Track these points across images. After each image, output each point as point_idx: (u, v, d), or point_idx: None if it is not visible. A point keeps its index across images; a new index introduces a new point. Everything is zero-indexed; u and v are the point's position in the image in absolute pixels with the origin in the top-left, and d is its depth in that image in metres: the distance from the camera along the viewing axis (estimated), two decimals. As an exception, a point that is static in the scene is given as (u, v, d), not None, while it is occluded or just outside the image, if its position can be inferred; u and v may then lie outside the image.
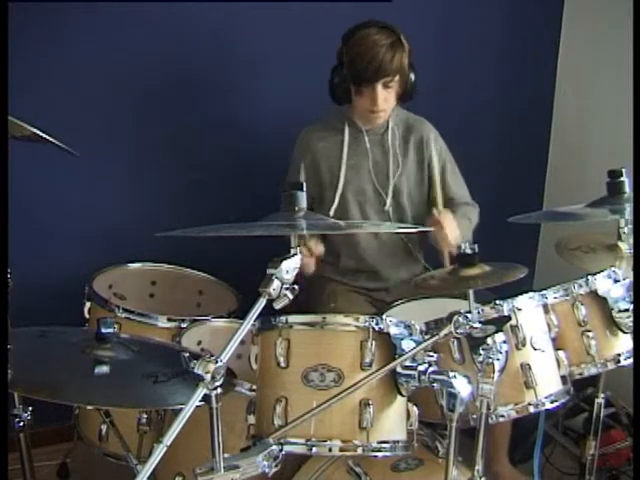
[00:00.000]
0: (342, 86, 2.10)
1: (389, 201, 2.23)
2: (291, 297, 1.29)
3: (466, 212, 2.28)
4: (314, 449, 1.44)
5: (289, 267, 1.29)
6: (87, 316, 2.04)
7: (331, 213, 2.19)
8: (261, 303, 1.26)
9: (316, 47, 2.43)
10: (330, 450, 1.44)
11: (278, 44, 2.49)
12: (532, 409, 1.62)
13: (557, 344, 1.68)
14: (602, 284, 1.71)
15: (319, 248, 2.11)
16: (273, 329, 1.50)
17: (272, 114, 2.55)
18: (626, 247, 1.79)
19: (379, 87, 2.05)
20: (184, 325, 1.96)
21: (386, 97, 2.09)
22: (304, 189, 1.41)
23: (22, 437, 1.78)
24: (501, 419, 1.61)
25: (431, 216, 2.13)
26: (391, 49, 2.03)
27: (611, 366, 1.71)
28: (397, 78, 2.07)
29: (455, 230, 2.09)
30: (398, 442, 1.49)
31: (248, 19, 2.44)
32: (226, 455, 1.23)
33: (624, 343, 1.71)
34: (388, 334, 1.48)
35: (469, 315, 1.41)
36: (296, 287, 1.31)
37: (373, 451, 1.46)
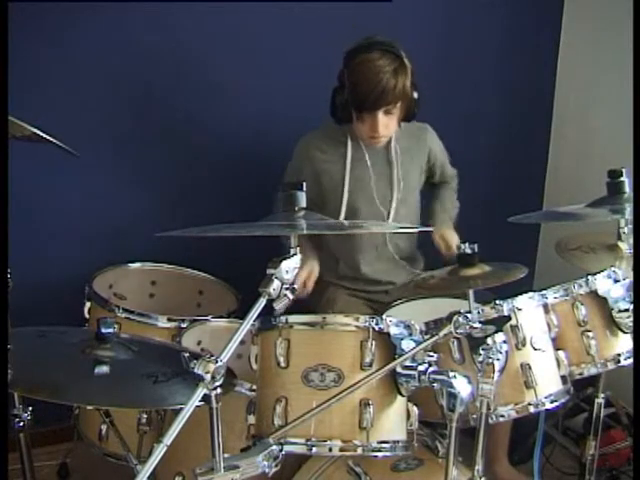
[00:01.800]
0: (343, 108, 2.06)
1: (392, 215, 2.21)
2: (291, 297, 1.29)
3: (453, 185, 2.41)
4: (314, 449, 1.44)
5: (289, 267, 1.29)
6: (87, 316, 2.04)
7: None
8: (261, 303, 1.26)
9: (316, 47, 2.44)
10: (330, 450, 1.44)
11: (279, 44, 2.49)
12: (532, 409, 1.62)
13: (557, 344, 1.68)
14: (602, 284, 1.71)
15: (314, 273, 2.12)
16: (273, 329, 1.50)
17: (273, 114, 2.55)
18: (626, 247, 1.79)
19: (380, 114, 2.01)
20: (184, 325, 1.96)
21: (387, 124, 2.05)
22: (304, 189, 1.41)
23: (22, 437, 1.78)
24: (501, 419, 1.61)
25: (434, 235, 2.20)
26: (394, 76, 1.97)
27: (611, 366, 1.71)
28: (399, 104, 2.03)
29: (455, 241, 2.15)
30: (398, 442, 1.49)
31: (250, 19, 2.44)
32: (226, 455, 1.23)
33: (624, 343, 1.71)
34: (388, 334, 1.48)
35: (469, 315, 1.41)
36: (296, 287, 1.31)
37: (373, 451, 1.46)
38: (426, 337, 1.52)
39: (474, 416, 1.54)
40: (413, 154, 2.24)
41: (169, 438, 1.14)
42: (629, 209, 1.74)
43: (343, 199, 2.18)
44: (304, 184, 1.42)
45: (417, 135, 2.25)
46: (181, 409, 1.17)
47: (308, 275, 2.11)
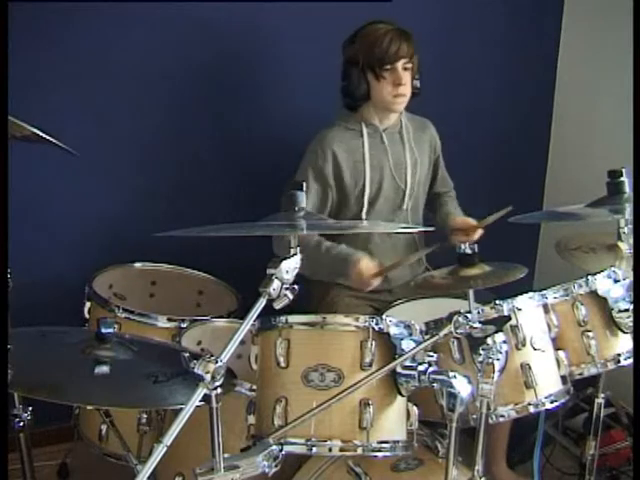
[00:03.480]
0: (360, 79, 2.09)
1: (407, 199, 2.24)
2: (291, 297, 1.29)
3: (453, 194, 2.46)
4: (314, 449, 1.44)
5: (289, 267, 1.29)
6: (87, 316, 2.04)
7: (363, 216, 2.19)
8: (261, 303, 1.26)
9: (315, 47, 2.43)
10: (330, 450, 1.45)
11: (278, 43, 2.49)
12: (532, 409, 1.63)
13: (557, 344, 1.68)
14: (602, 284, 1.71)
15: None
16: (273, 329, 1.50)
17: (273, 114, 2.55)
18: (626, 247, 1.79)
19: (400, 68, 2.08)
20: (184, 325, 1.95)
21: (406, 80, 2.10)
22: (304, 189, 1.41)
23: (22, 437, 1.78)
24: (501, 419, 1.61)
25: (468, 226, 2.20)
26: (404, 34, 2.08)
27: (611, 366, 1.71)
28: (413, 61, 2.10)
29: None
30: (398, 442, 1.49)
31: (249, 19, 2.44)
32: (226, 455, 1.23)
33: (624, 343, 1.72)
34: (388, 334, 1.48)
35: (469, 315, 1.41)
36: (296, 287, 1.31)
37: (373, 451, 1.46)
38: (426, 337, 1.52)
39: (474, 416, 1.54)
40: (422, 141, 2.29)
41: (169, 438, 1.15)
42: (629, 209, 1.74)
43: (366, 188, 2.18)
44: (304, 184, 1.42)
45: (422, 126, 2.30)
46: (181, 409, 1.17)
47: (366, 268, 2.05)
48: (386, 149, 2.21)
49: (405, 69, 2.09)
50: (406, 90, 2.11)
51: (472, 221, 2.21)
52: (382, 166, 2.21)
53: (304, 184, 1.42)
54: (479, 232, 2.17)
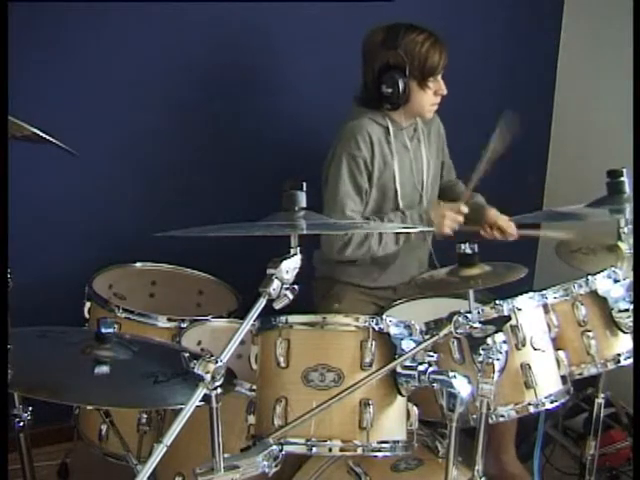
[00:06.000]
0: (403, 89, 2.09)
1: (424, 199, 2.26)
2: (291, 297, 1.29)
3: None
4: (314, 449, 1.44)
5: (289, 267, 1.29)
6: (87, 316, 2.04)
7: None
8: (261, 303, 1.26)
9: (319, 49, 2.44)
10: (330, 450, 1.45)
11: (280, 46, 2.49)
12: (532, 409, 1.63)
13: (557, 344, 1.68)
14: (602, 284, 1.71)
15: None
16: (273, 329, 1.50)
17: (273, 113, 2.55)
18: (626, 247, 1.79)
19: (440, 77, 2.14)
20: (184, 325, 1.95)
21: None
22: (304, 189, 1.40)
23: (22, 437, 1.78)
24: (501, 419, 1.62)
25: (509, 228, 2.21)
26: (443, 44, 2.13)
27: (611, 366, 1.71)
28: None
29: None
30: (398, 442, 1.49)
31: (250, 20, 2.44)
32: (226, 455, 1.23)
33: (624, 343, 1.72)
34: (388, 334, 1.48)
35: (469, 315, 1.41)
36: (296, 287, 1.31)
37: (373, 451, 1.46)
38: (426, 337, 1.52)
39: (474, 416, 1.54)
40: (432, 134, 2.32)
41: (169, 438, 1.15)
42: (629, 209, 1.74)
43: (397, 186, 2.19)
44: (304, 184, 1.41)
45: (430, 119, 2.30)
46: (181, 409, 1.17)
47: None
48: (408, 148, 2.23)
49: (442, 78, 2.15)
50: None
51: (512, 225, 2.20)
52: (404, 165, 2.22)
53: (304, 184, 1.40)
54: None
